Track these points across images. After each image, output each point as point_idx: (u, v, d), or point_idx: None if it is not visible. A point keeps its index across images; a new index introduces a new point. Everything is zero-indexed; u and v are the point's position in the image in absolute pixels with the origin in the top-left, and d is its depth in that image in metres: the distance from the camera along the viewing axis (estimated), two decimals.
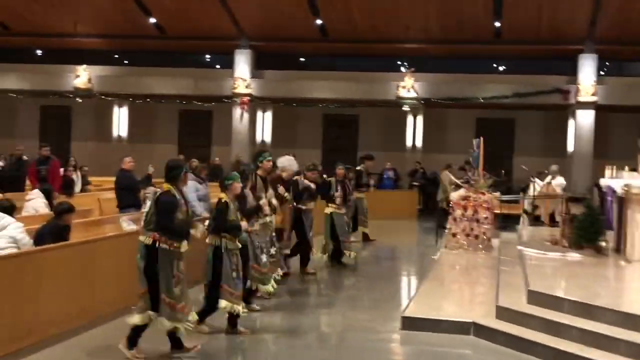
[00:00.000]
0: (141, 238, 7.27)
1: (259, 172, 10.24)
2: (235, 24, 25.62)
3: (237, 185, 8.41)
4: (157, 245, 7.15)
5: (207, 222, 8.52)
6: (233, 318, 8.36)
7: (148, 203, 8.65)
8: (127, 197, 13.54)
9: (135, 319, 7.20)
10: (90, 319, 7.88)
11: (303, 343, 8.67)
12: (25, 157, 17.33)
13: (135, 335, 7.25)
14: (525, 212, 18.15)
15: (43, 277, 7.87)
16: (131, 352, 7.24)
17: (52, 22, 26.57)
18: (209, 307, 8.26)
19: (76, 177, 17.54)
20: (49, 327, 7.67)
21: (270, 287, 9.79)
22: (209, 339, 8.25)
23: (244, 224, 8.33)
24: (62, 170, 16.71)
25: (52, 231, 9.18)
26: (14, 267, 7.51)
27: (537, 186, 17.76)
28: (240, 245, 8.36)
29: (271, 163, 10.55)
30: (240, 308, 8.21)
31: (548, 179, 17.91)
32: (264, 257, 9.41)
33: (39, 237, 9.17)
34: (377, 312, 10.15)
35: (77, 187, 17.28)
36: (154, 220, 7.23)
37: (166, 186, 7.38)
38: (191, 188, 11.67)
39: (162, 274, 7.17)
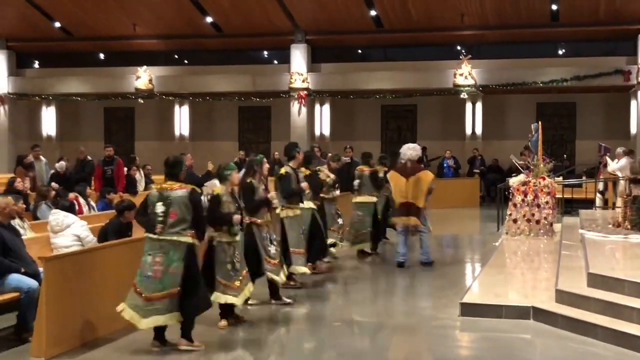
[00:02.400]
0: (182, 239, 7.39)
1: (292, 163, 10.53)
2: (290, 18, 25.76)
3: (236, 176, 8.56)
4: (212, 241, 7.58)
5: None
6: (226, 308, 8.40)
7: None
8: None
9: (160, 320, 7.37)
10: None
11: (363, 330, 8.76)
12: (89, 158, 17.73)
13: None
14: (601, 192, 17.77)
15: (107, 273, 8.10)
16: (192, 344, 7.50)
17: (112, 25, 27.11)
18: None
19: (139, 176, 17.88)
20: (113, 321, 7.90)
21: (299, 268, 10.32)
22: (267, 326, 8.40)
23: (236, 217, 8.21)
24: (125, 169, 17.07)
25: (115, 229, 9.45)
26: (78, 264, 7.75)
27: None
28: (236, 238, 8.30)
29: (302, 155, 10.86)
30: (234, 299, 8.19)
31: (615, 161, 17.63)
32: (272, 249, 9.32)
33: (102, 235, 9.45)
34: (438, 300, 10.18)
35: (141, 186, 17.62)
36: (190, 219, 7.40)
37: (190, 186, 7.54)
38: None
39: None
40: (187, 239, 7.37)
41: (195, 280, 7.43)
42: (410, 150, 12.45)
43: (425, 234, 12.47)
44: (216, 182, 11.86)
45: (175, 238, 7.33)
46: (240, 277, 8.28)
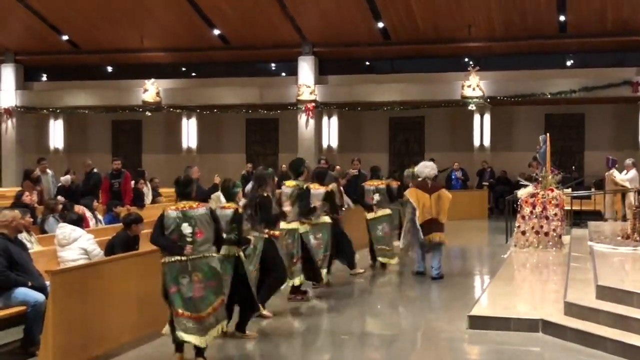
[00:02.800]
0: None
1: (301, 179, 10.62)
2: (298, 31, 25.80)
3: (240, 195, 8.80)
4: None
5: None
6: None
7: None
8: None
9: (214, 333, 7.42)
10: (160, 327, 8.02)
11: (369, 344, 8.72)
12: (95, 170, 17.75)
13: None
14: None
15: (113, 286, 8.07)
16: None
17: (120, 38, 27.18)
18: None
19: (147, 189, 17.88)
20: (120, 335, 7.87)
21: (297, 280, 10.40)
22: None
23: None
24: (133, 182, 17.07)
25: (122, 242, 9.44)
26: (85, 278, 7.73)
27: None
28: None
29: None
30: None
31: (623, 173, 17.59)
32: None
33: (109, 248, 9.44)
34: (446, 312, 10.15)
35: (148, 199, 17.62)
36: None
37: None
38: None
39: None
40: (216, 254, 7.53)
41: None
42: (427, 169, 12.66)
43: (440, 250, 12.57)
44: (220, 195, 11.87)
45: (208, 254, 7.37)
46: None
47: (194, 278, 7.26)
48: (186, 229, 7.29)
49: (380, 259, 13.52)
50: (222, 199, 8.98)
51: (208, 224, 7.39)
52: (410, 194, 12.54)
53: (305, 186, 10.54)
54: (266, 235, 9.17)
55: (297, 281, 10.40)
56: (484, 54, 26.03)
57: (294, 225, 10.33)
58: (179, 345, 7.42)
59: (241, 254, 8.36)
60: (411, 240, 12.66)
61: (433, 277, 12.43)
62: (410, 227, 12.50)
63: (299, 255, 10.38)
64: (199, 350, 7.34)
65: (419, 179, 12.76)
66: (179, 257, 7.27)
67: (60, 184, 17.38)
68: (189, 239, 7.29)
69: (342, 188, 13.19)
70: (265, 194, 9.17)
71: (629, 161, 17.81)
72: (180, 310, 7.24)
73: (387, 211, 13.68)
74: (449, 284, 12.25)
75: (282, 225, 9.89)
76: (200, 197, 7.89)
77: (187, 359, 7.45)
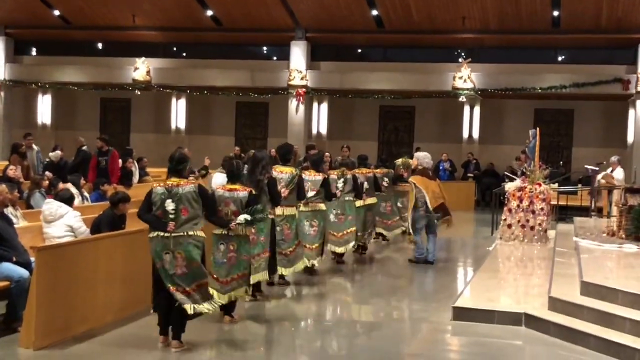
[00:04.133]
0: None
1: (289, 165, 10.62)
2: (291, 15, 25.68)
3: None
4: None
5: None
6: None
7: None
8: None
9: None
10: (145, 306, 8.01)
11: (353, 332, 8.73)
12: (84, 148, 17.64)
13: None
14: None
15: (99, 265, 8.05)
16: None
17: (111, 15, 27.01)
18: None
19: (134, 168, 17.80)
20: (104, 314, 7.85)
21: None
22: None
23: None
24: (120, 161, 16.98)
25: (108, 220, 9.40)
26: (70, 255, 7.71)
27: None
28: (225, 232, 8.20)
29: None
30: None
31: (608, 170, 17.63)
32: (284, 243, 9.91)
33: (95, 226, 9.40)
34: (430, 303, 10.18)
35: (135, 178, 17.54)
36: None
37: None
38: None
39: None
40: (201, 233, 7.43)
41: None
42: (427, 159, 13.37)
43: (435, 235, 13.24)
44: (222, 178, 11.81)
45: (191, 233, 7.33)
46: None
47: (177, 255, 7.28)
48: (169, 205, 7.31)
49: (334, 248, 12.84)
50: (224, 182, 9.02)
51: (195, 201, 7.36)
52: (418, 181, 12.87)
53: (299, 173, 10.53)
54: (272, 216, 9.33)
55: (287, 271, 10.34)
56: (476, 46, 26.01)
57: (291, 211, 10.21)
58: (164, 327, 7.41)
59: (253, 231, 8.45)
60: (421, 226, 12.92)
61: (430, 261, 12.91)
62: (424, 212, 12.77)
63: (298, 241, 10.34)
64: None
65: (420, 168, 13.16)
66: (162, 233, 7.30)
67: (47, 160, 17.26)
68: (171, 216, 7.30)
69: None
70: (269, 175, 9.16)
71: (614, 158, 17.84)
72: (169, 286, 7.28)
73: (374, 200, 13.75)
74: (435, 274, 12.30)
75: (278, 211, 9.81)
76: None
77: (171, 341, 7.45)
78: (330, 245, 12.21)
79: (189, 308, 7.29)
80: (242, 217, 7.92)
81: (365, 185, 13.38)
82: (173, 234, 7.29)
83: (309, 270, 11.36)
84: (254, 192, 8.33)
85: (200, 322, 7.87)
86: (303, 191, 10.50)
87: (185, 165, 7.57)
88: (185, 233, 7.31)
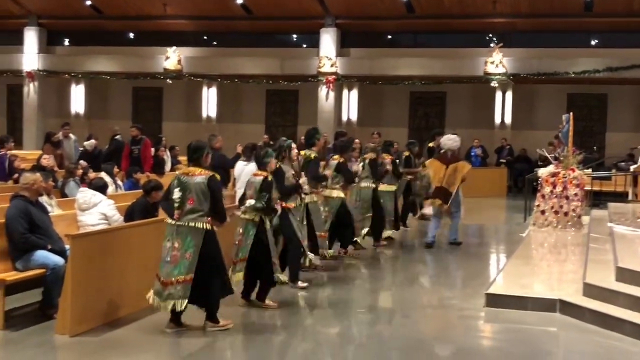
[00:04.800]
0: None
1: (314, 148, 10.50)
2: (321, 2, 25.62)
3: (274, 163, 8.69)
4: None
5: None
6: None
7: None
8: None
9: (172, 305, 7.43)
10: None
11: (384, 319, 8.72)
12: (118, 137, 17.76)
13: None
14: None
15: (132, 252, 8.11)
16: (218, 324, 7.62)
17: (143, 5, 27.14)
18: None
19: (166, 156, 17.90)
20: (139, 300, 7.91)
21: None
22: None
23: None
24: (153, 150, 17.09)
25: (141, 208, 9.46)
26: (104, 243, 7.77)
27: None
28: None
29: (324, 141, 10.78)
30: None
31: None
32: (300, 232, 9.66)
33: (129, 214, 9.47)
34: (462, 290, 10.15)
35: (167, 166, 17.64)
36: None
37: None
38: None
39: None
40: (204, 225, 7.38)
41: (212, 267, 7.44)
42: (449, 141, 13.47)
43: (457, 217, 13.38)
44: (242, 166, 11.90)
45: (192, 224, 7.34)
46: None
47: (175, 244, 7.35)
48: (175, 194, 7.41)
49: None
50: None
51: (203, 193, 7.38)
52: (430, 163, 13.46)
53: (313, 155, 10.48)
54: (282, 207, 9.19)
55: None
56: (508, 31, 25.79)
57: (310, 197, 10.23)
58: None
59: (267, 223, 8.39)
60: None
61: (450, 242, 13.34)
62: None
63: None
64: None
65: (441, 151, 13.50)
66: (169, 220, 7.48)
67: (82, 149, 17.41)
68: (176, 204, 7.40)
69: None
70: (278, 165, 9.06)
71: None
72: (158, 270, 7.45)
73: (391, 187, 13.55)
74: (466, 261, 12.25)
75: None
76: (224, 166, 7.94)
77: (188, 324, 7.59)
78: None
79: (151, 299, 7.42)
80: (249, 202, 8.28)
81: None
82: (177, 223, 7.38)
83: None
84: (269, 178, 8.43)
85: (226, 306, 7.91)
86: (312, 172, 10.36)
87: (201, 154, 7.55)
88: (187, 223, 7.35)
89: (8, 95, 31.46)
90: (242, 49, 27.81)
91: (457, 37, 26.67)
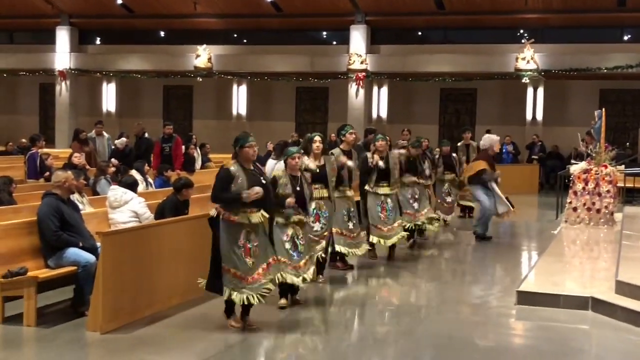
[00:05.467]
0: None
1: (342, 145, 10.39)
2: None
3: (292, 162, 8.40)
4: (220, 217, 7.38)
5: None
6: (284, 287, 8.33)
7: None
8: None
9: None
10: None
11: (416, 316, 8.69)
12: (146, 135, 17.86)
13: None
14: None
15: (163, 250, 8.16)
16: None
17: (173, 3, 27.26)
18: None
19: (197, 154, 17.98)
20: (169, 298, 7.95)
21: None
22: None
23: (288, 200, 8.07)
24: (183, 147, 17.17)
25: (172, 206, 9.52)
26: (136, 240, 7.83)
27: None
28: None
29: (354, 136, 10.56)
30: (294, 279, 8.05)
31: None
32: (316, 226, 9.32)
33: (160, 212, 9.53)
34: (493, 287, 10.10)
35: (198, 164, 17.72)
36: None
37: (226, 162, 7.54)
38: None
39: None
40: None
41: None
42: (483, 141, 14.16)
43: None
44: (272, 164, 11.92)
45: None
46: (305, 259, 8.24)
47: None
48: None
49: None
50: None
51: None
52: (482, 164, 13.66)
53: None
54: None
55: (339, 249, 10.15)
56: (539, 26, 25.53)
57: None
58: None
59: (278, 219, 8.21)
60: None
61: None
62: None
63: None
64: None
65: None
66: None
67: (114, 147, 17.54)
68: None
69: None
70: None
71: None
72: None
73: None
74: (498, 258, 12.18)
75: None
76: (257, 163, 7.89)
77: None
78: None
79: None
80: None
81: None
82: None
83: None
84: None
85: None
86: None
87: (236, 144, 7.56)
88: None
89: (40, 94, 31.80)
90: (272, 47, 27.82)
91: (487, 33, 26.48)
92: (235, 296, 7.29)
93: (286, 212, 8.12)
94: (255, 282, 7.31)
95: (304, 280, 8.19)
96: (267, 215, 7.55)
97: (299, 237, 8.22)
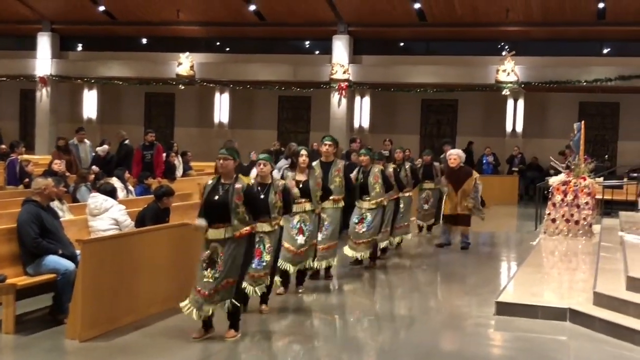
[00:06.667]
0: None
1: (322, 158, 10.39)
2: (334, 9, 25.62)
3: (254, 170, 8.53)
4: None
5: None
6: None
7: None
8: None
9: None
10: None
11: (394, 327, 8.71)
12: (127, 142, 17.82)
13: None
14: None
15: (143, 258, 8.14)
16: None
17: (156, 11, 27.21)
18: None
19: (178, 162, 17.96)
20: (149, 306, 7.93)
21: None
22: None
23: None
24: (164, 155, 17.14)
25: (152, 214, 9.51)
26: (115, 248, 7.80)
27: None
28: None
29: (326, 147, 10.35)
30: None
31: None
32: (299, 239, 9.39)
33: (140, 220, 9.51)
34: (473, 298, 10.12)
35: (179, 172, 17.69)
36: None
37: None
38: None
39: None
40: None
41: None
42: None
43: None
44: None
45: None
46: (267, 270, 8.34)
47: None
48: None
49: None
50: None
51: None
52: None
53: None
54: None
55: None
56: (520, 39, 25.73)
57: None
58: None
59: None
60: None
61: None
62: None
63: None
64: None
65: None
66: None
67: (95, 154, 17.49)
68: None
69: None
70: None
71: None
72: None
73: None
74: (477, 269, 12.23)
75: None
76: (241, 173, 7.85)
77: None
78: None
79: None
80: None
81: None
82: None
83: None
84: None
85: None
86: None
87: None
88: None
89: (21, 100, 31.63)
90: (255, 55, 27.85)
91: (469, 45, 26.62)
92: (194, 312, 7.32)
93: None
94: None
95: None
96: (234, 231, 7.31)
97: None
